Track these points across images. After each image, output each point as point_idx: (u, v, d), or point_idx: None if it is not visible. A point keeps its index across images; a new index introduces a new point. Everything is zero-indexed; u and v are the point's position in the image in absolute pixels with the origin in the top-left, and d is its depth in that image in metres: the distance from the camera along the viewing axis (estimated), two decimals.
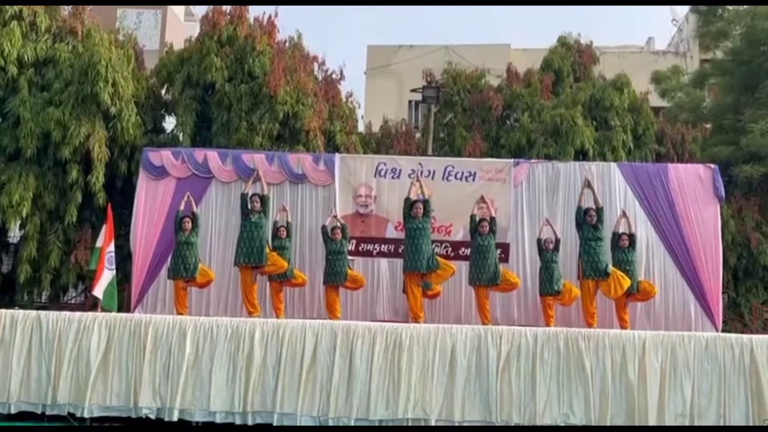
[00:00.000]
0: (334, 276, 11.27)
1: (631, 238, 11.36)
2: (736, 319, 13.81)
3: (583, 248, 11.16)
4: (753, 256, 14.18)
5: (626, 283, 10.89)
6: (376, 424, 8.80)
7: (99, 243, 11.58)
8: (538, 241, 11.56)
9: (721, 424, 8.83)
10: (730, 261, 13.86)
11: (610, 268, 10.94)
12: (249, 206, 11.23)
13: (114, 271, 11.37)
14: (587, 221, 11.22)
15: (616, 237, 11.37)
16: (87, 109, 13.15)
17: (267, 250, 11.04)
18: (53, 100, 13.27)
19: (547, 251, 11.34)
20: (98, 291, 11.00)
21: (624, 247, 11.27)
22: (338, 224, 11.60)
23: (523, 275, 12.03)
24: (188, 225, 11.10)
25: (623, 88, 15.48)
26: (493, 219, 11.29)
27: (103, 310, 10.61)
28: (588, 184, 11.61)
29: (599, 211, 11.26)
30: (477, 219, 11.28)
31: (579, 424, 8.85)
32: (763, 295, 14.33)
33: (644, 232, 12.20)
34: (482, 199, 11.64)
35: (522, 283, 11.75)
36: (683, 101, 17.25)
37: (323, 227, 11.61)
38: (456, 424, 8.80)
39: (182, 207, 11.30)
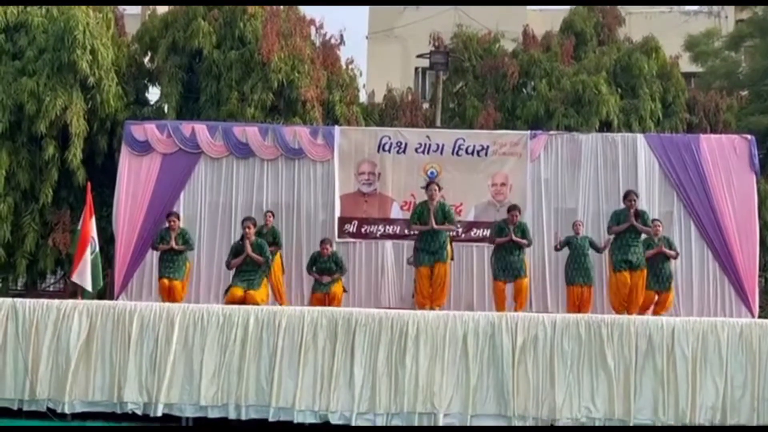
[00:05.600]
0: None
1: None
2: None
3: (617, 242, 11.03)
4: None
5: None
6: (381, 418, 8.86)
7: (80, 225, 11.60)
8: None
9: (755, 418, 8.85)
10: (767, 241, 13.86)
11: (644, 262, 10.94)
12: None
13: (94, 255, 11.27)
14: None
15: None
16: (63, 79, 13.17)
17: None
18: (26, 70, 13.29)
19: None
20: (78, 277, 11.03)
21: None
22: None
23: (541, 258, 12.07)
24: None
25: (652, 52, 15.43)
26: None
27: (84, 298, 10.64)
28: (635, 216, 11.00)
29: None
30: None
31: (601, 418, 8.89)
32: None
33: (673, 209, 12.22)
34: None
35: (540, 269, 11.84)
36: (717, 66, 17.16)
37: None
38: (469, 418, 8.85)
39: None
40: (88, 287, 10.98)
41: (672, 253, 11.32)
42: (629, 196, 11.00)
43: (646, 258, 10.98)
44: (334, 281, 11.29)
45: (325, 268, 11.32)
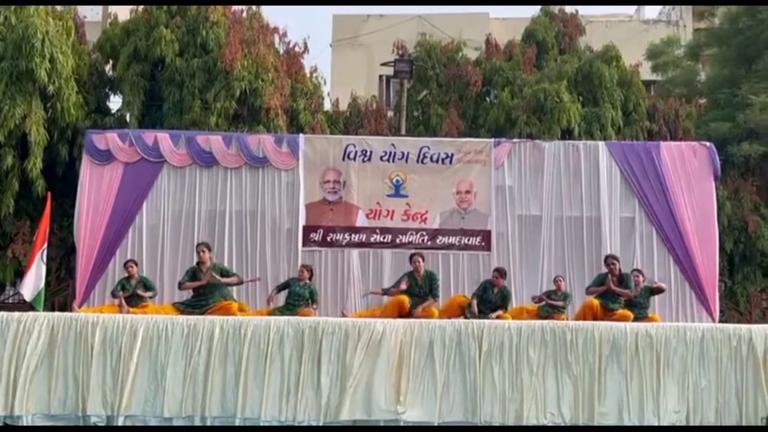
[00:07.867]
0: None
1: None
2: (732, 308, 14.07)
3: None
4: (750, 241, 14.46)
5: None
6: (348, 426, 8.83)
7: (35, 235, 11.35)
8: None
9: (719, 420, 8.99)
10: (726, 246, 14.11)
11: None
12: None
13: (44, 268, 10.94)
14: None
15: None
16: (22, 87, 12.95)
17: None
18: None
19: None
20: (25, 290, 10.76)
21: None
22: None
23: (507, 263, 12.14)
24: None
25: (612, 60, 15.62)
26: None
27: (33, 309, 10.38)
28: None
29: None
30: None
31: (567, 423, 8.96)
32: (761, 282, 14.61)
33: (635, 215, 12.40)
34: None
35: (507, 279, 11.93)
36: (676, 75, 17.45)
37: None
38: (436, 425, 8.87)
39: None
40: (27, 297, 10.72)
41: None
42: (608, 260, 11.04)
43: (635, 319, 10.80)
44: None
45: (298, 294, 10.91)
